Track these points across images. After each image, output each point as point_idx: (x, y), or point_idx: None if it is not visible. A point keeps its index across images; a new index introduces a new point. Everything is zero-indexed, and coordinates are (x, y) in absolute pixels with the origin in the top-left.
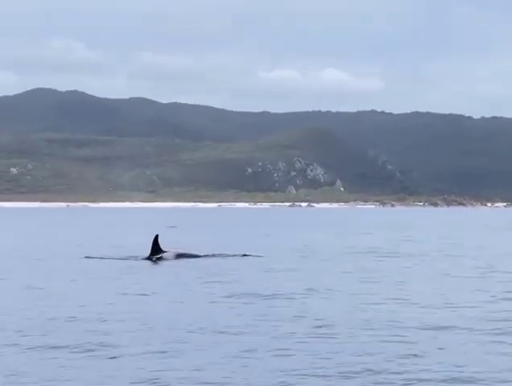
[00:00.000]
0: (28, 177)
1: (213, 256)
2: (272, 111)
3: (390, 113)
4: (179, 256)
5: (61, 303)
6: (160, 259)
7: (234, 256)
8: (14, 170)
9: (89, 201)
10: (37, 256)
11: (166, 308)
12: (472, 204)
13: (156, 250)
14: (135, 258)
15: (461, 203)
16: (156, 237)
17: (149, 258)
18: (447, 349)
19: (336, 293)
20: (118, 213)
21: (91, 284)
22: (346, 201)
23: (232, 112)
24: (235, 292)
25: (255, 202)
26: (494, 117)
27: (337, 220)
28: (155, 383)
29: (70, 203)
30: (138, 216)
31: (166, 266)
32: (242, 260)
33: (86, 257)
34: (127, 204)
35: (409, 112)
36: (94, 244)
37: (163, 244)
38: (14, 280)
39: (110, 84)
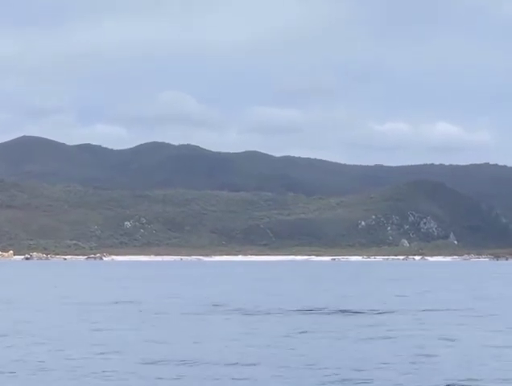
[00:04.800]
0: (142, 230)
1: None
2: (385, 164)
3: (505, 166)
4: None
5: None
6: None
7: None
8: (128, 224)
9: (202, 255)
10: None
11: None
12: None
13: None
14: None
15: None
16: None
17: None
18: None
19: None
20: (252, 267)
21: None
22: (460, 255)
23: (344, 165)
24: None
25: (368, 255)
26: None
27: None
28: None
29: (183, 257)
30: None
31: None
32: None
33: None
34: (240, 258)
35: None
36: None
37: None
38: None
39: (222, 138)
